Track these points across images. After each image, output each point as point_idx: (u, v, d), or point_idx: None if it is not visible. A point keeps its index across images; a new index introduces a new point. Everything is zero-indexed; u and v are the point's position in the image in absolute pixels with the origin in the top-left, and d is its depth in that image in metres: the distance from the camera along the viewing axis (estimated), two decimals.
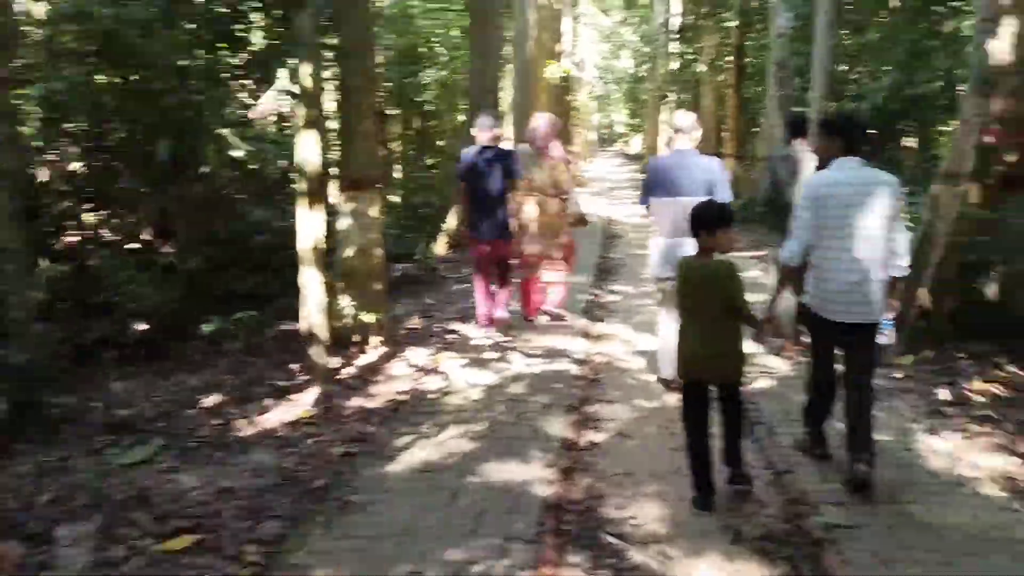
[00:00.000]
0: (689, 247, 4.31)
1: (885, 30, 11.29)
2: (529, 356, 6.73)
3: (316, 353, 6.00)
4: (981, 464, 4.47)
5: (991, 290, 6.39)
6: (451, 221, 12.82)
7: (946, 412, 5.34)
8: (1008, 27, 6.24)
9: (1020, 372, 5.96)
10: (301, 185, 5.89)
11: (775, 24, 15.40)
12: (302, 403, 5.71)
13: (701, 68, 22.40)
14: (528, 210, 7.45)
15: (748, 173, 19.49)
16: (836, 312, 4.15)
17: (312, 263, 5.90)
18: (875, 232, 4.06)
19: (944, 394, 5.66)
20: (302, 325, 6.09)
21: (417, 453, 4.71)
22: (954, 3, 12.04)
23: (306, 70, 5.78)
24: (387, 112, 17.83)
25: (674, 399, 5.45)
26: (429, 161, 19.32)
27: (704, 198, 5.47)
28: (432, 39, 18.03)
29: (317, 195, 5.91)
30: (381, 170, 7.18)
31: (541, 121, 7.54)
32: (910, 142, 14.49)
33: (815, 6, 12.90)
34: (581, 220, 7.90)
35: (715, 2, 20.97)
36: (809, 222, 4.16)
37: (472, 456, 4.63)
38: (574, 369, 6.39)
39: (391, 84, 17.02)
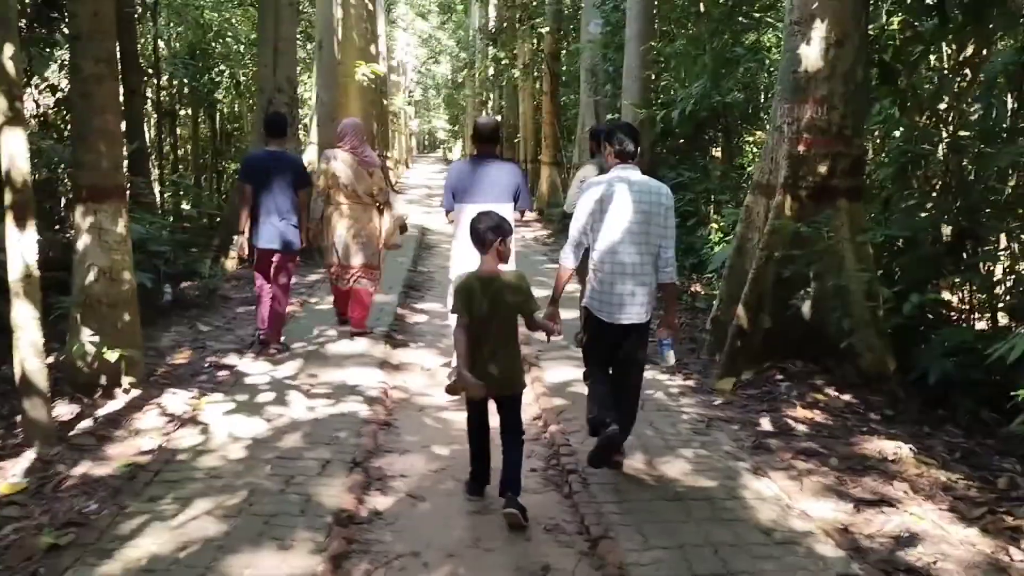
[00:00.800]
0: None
1: (693, 38, 11.14)
2: (312, 396, 5.76)
3: (32, 407, 4.75)
4: (813, 512, 3.99)
5: (805, 307, 6.09)
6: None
7: (770, 445, 4.89)
8: (818, 31, 5.96)
9: (837, 395, 5.67)
10: (7, 197, 4.64)
11: (586, 30, 15.19)
12: (12, 472, 4.48)
13: (516, 73, 22.04)
14: (345, 218, 7.07)
15: (565, 180, 19.30)
16: (612, 314, 4.23)
17: (24, 295, 4.66)
18: (646, 237, 4.17)
19: (766, 423, 5.24)
20: (16, 371, 4.82)
21: (145, 542, 3.64)
22: (757, 14, 12.14)
23: (8, 51, 4.54)
24: (176, 112, 16.19)
25: None
26: (232, 166, 17.74)
27: (508, 204, 5.60)
28: (227, 33, 16.53)
29: (28, 209, 4.68)
30: (123, 176, 5.96)
31: (350, 126, 7.15)
32: (717, 151, 14.67)
33: (626, 13, 12.70)
34: (402, 226, 7.46)
35: (528, 8, 20.66)
36: (584, 226, 4.25)
37: (218, 543, 3.63)
38: (364, 410, 5.49)
39: (181, 82, 15.42)
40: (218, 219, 12.56)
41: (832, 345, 5.97)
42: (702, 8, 11.44)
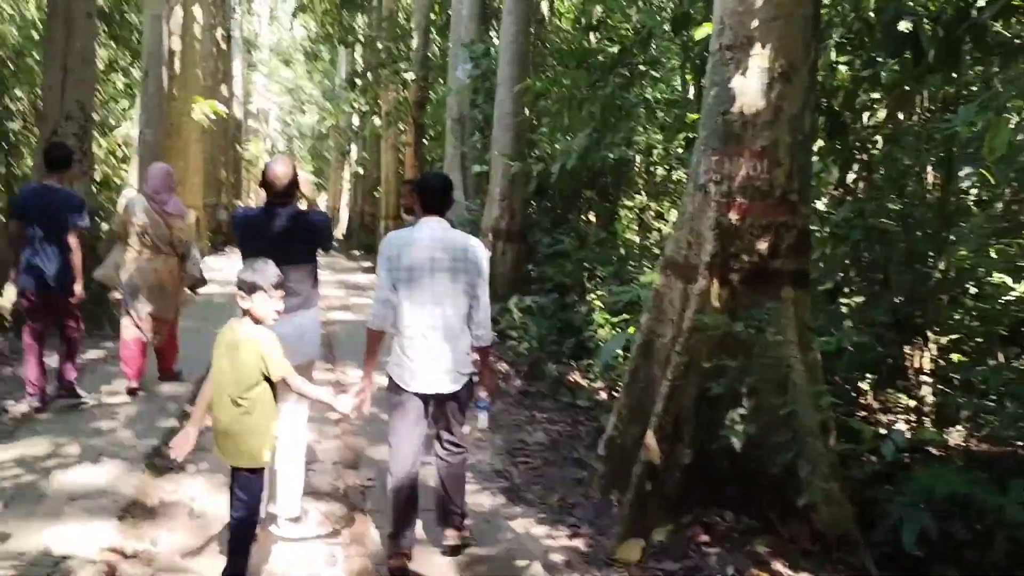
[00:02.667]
0: (302, 321, 4.25)
1: (577, 82, 9.59)
2: None
3: None
4: None
5: (738, 437, 4.38)
6: (6, 296, 9.02)
7: None
8: (759, 59, 4.38)
9: (790, 572, 3.94)
10: None
11: (454, 76, 13.58)
12: None
13: (377, 122, 20.18)
14: (140, 266, 6.64)
15: None
16: (415, 382, 3.87)
17: None
18: (454, 297, 3.88)
19: None
20: None
21: None
22: (642, 67, 10.80)
23: None
24: None
25: None
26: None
27: (305, 267, 4.51)
28: (28, 52, 13.87)
29: None
30: None
31: (156, 171, 6.86)
32: (591, 216, 13.24)
33: (498, 56, 11.16)
34: (199, 282, 7.13)
35: (393, 53, 18.95)
36: (386, 283, 3.92)
37: None
38: None
39: None
40: None
41: (775, 489, 4.28)
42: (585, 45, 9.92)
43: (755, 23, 4.39)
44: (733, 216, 4.46)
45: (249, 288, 3.54)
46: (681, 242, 4.77)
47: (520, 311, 8.63)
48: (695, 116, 6.78)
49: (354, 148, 32.63)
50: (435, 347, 3.84)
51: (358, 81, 21.32)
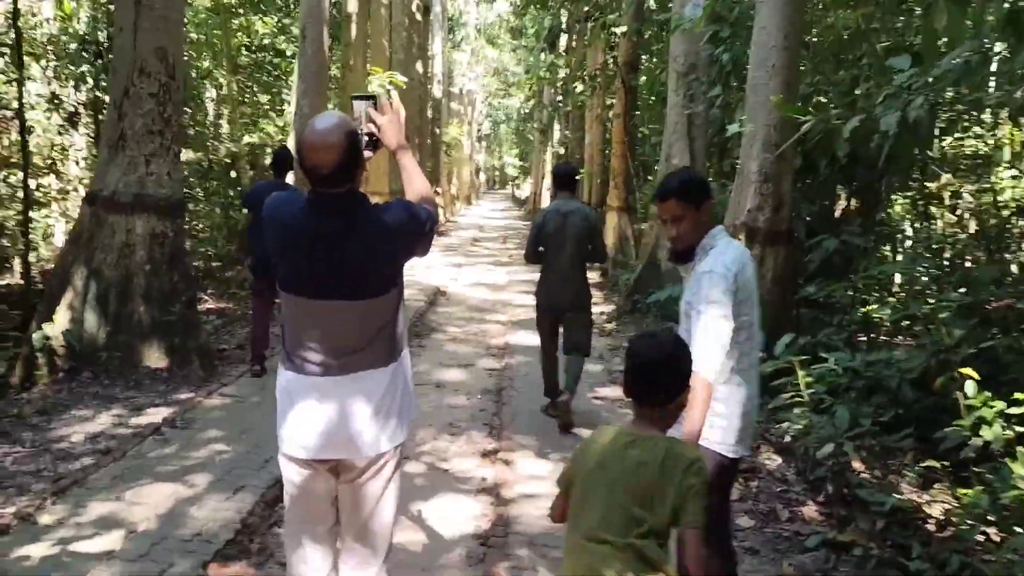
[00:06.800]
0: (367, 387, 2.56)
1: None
2: None
3: None
4: None
5: None
6: (60, 319, 6.57)
7: None
8: None
9: None
10: None
11: (680, 13, 9.92)
12: None
13: (579, 88, 16.75)
14: None
15: (639, 231, 13.91)
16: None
17: None
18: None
19: None
20: None
21: None
22: None
23: None
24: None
25: None
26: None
27: (366, 301, 2.69)
28: None
29: None
30: None
31: None
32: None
33: None
34: None
35: (600, 5, 15.42)
36: (730, 320, 2.86)
37: None
38: None
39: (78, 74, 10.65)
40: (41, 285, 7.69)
41: None
42: None
43: None
44: None
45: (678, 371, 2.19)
46: None
47: (805, 373, 4.94)
48: None
49: (557, 127, 29.55)
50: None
51: (560, 41, 17.98)
